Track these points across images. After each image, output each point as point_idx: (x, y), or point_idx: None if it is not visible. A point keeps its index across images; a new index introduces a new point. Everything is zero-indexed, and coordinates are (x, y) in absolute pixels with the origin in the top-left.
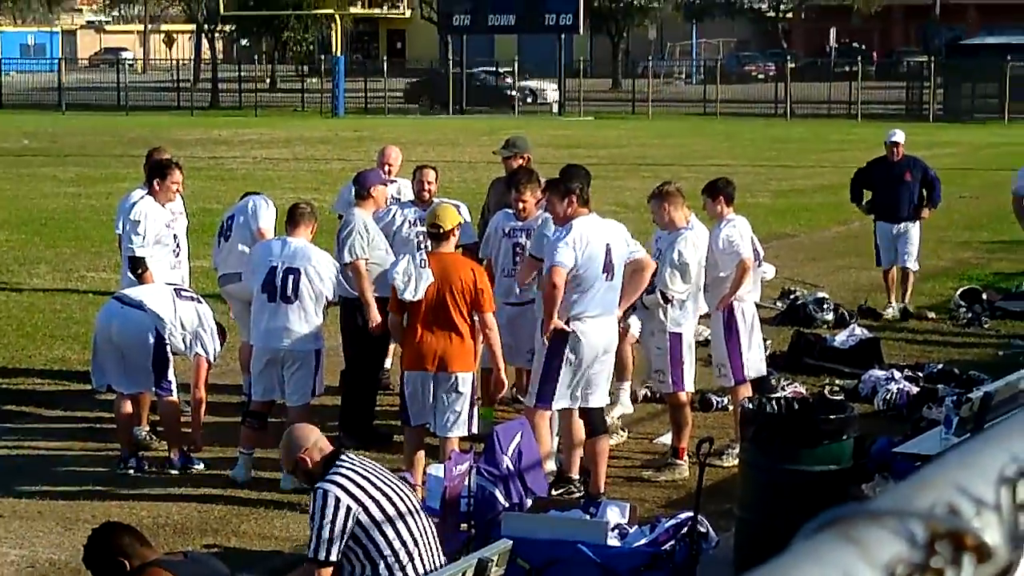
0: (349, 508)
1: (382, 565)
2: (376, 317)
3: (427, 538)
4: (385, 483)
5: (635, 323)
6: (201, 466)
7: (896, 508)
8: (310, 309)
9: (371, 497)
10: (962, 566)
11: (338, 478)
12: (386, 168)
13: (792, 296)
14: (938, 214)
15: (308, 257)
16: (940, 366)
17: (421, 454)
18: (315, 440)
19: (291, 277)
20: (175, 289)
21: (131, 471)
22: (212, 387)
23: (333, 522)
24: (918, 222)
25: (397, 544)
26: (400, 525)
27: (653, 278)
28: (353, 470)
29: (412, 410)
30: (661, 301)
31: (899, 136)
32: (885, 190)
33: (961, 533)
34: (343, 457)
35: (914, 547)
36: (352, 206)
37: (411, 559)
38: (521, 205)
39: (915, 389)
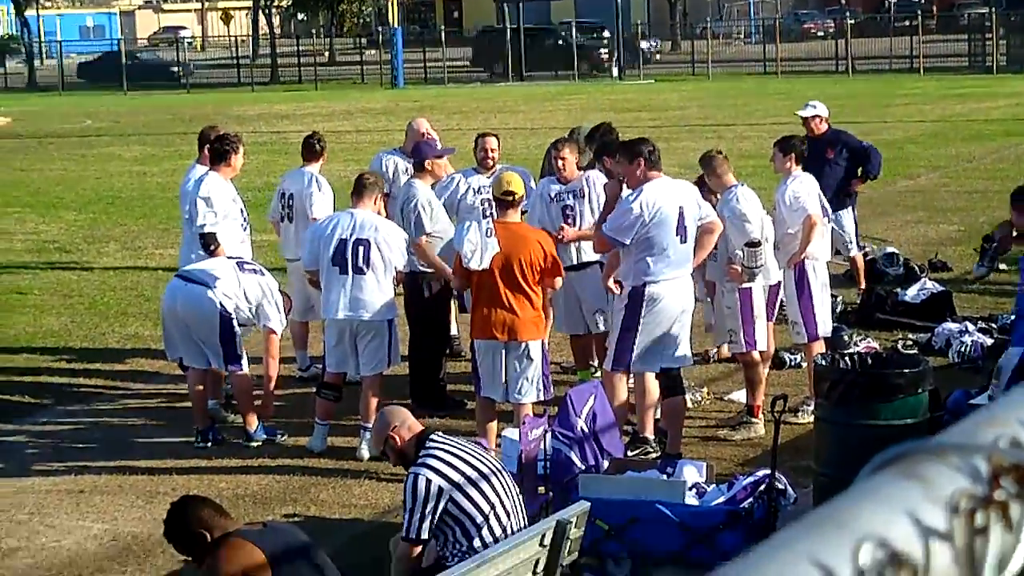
0: (441, 488)
1: (476, 539)
2: (452, 277)
3: (514, 503)
4: (471, 454)
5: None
6: (279, 437)
7: (959, 443)
8: (382, 279)
9: (460, 471)
10: None
11: (429, 460)
12: (428, 140)
13: (862, 252)
14: (1007, 165)
15: (376, 227)
16: (1013, 316)
17: (493, 423)
18: (404, 419)
19: (361, 248)
20: (238, 263)
21: (208, 444)
22: (284, 358)
23: (424, 504)
24: (848, 209)
25: (491, 516)
26: (490, 492)
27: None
28: (443, 450)
29: (483, 379)
30: (753, 249)
31: (811, 109)
32: (807, 169)
33: None
34: (432, 437)
35: (977, 482)
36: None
37: (503, 528)
38: (560, 163)
39: (989, 341)
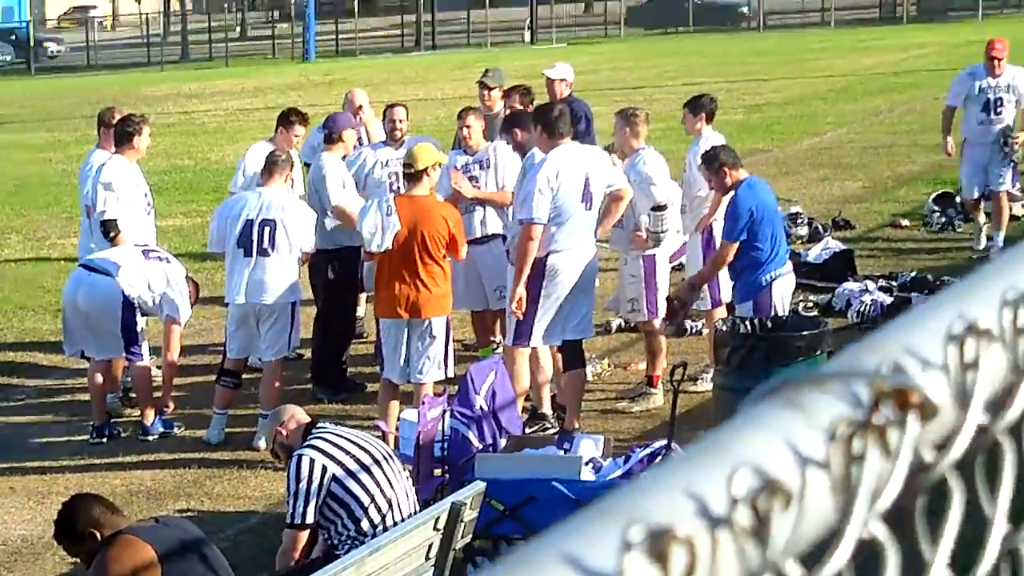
0: (325, 467)
1: (364, 521)
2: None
3: (403, 487)
4: (360, 440)
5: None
6: (175, 430)
7: (841, 371)
8: (287, 261)
9: (346, 452)
10: (906, 424)
11: (313, 442)
12: (358, 115)
13: None
14: (913, 117)
15: (284, 208)
16: (913, 274)
17: (395, 403)
18: (292, 414)
19: (267, 229)
20: (144, 250)
21: (104, 440)
22: (185, 348)
23: (309, 482)
24: None
25: (379, 497)
26: (378, 475)
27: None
28: (327, 435)
29: (386, 359)
30: (659, 213)
31: (558, 71)
32: None
33: (905, 390)
34: (319, 425)
35: (857, 408)
36: (317, 151)
37: (390, 508)
38: (466, 132)
39: (888, 299)
